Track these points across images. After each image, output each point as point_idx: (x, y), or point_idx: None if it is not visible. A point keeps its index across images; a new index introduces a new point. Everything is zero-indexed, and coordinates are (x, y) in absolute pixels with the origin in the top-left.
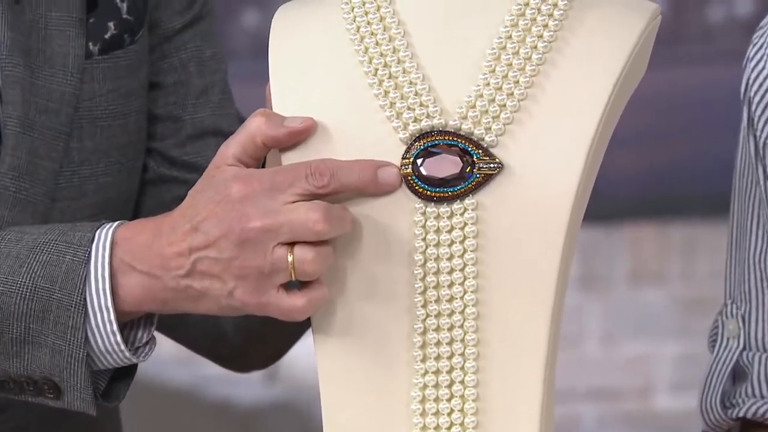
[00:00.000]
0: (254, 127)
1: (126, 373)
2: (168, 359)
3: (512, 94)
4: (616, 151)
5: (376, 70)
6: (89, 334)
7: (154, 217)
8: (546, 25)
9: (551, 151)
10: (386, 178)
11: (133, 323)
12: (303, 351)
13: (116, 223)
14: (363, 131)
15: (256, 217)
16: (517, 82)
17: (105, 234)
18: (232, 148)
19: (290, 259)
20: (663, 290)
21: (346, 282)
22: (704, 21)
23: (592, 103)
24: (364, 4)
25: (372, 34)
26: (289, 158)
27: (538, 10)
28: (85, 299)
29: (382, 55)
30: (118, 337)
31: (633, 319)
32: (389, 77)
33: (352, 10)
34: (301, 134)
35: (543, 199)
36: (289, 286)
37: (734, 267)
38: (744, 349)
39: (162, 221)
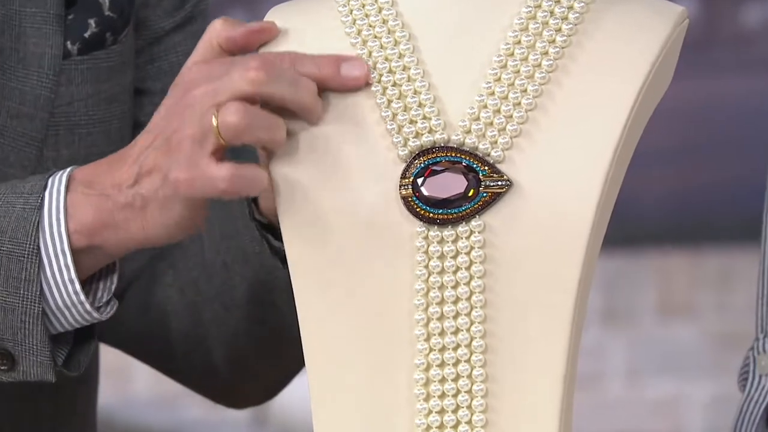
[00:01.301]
0: (210, 29)
1: (86, 338)
2: (146, 402)
3: (519, 103)
4: (641, 169)
5: (380, 76)
6: (44, 286)
7: None
8: (559, 29)
9: (566, 167)
10: (350, 72)
11: (92, 279)
12: (295, 392)
13: (72, 167)
14: (359, 146)
15: (202, 84)
16: (525, 90)
17: (59, 178)
18: (192, 56)
19: (215, 120)
20: (694, 325)
21: (342, 314)
22: (739, 25)
23: (612, 115)
24: (363, 6)
25: (375, 37)
26: (277, 165)
27: (551, 12)
28: (38, 247)
29: (387, 59)
30: (77, 286)
31: (661, 357)
32: (393, 85)
33: (351, 13)
34: (259, 34)
35: (557, 219)
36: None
37: (767, 298)
38: None
39: (124, 148)
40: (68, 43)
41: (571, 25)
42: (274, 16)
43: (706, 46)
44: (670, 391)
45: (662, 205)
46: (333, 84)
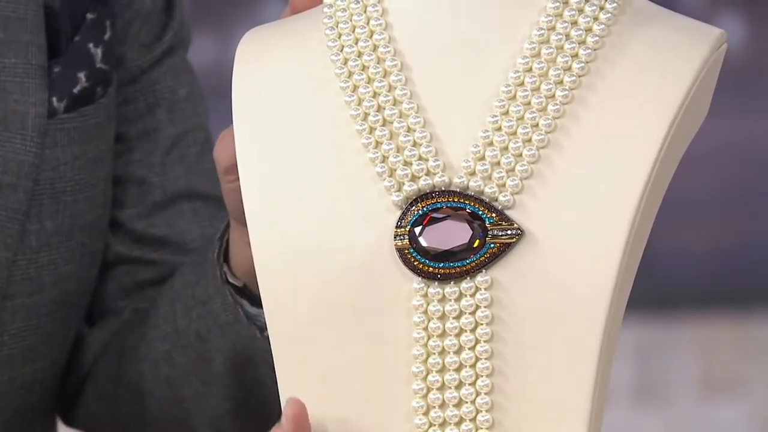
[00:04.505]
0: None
1: None
2: None
3: (530, 140)
4: (678, 221)
5: (366, 114)
6: None
7: None
8: (576, 55)
9: (584, 214)
10: None
11: None
12: None
13: None
14: (347, 193)
15: None
16: (537, 125)
17: None
18: None
19: None
20: (743, 403)
21: (333, 385)
22: None
23: (638, 154)
24: (353, 30)
25: (363, 68)
26: (257, 227)
27: (567, 35)
28: None
29: (374, 95)
30: None
31: None
32: (383, 124)
33: (339, 38)
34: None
35: (575, 274)
36: None
37: None
38: None
39: None
40: (54, 99)
41: (589, 51)
42: (252, 39)
43: (753, 76)
44: None
45: (703, 263)
46: None
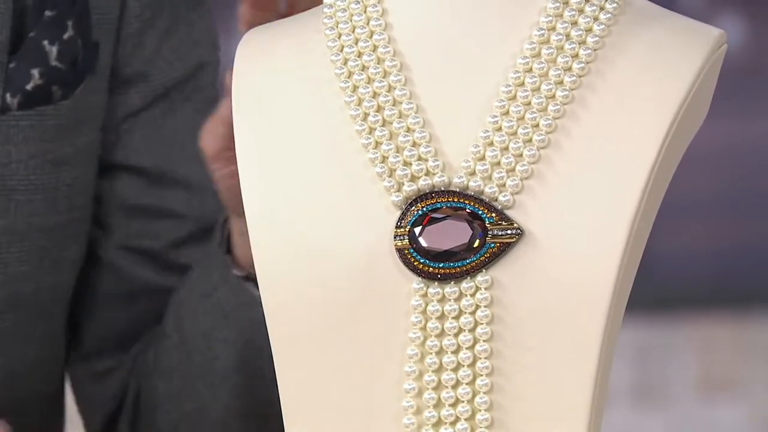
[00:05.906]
0: None
1: None
2: None
3: (530, 140)
4: (678, 222)
5: (366, 114)
6: None
7: None
8: (576, 55)
9: (584, 214)
10: None
11: None
12: None
13: None
14: (346, 193)
15: None
16: (537, 125)
17: None
18: None
19: None
20: (742, 404)
21: (332, 385)
22: None
23: (638, 155)
24: (353, 30)
25: (363, 68)
26: (258, 227)
27: (567, 36)
28: None
29: (374, 95)
30: None
31: None
32: (382, 124)
33: (339, 38)
34: None
35: (575, 275)
36: None
37: None
38: None
39: None
40: (8, 95)
41: (589, 51)
42: (251, 40)
43: (753, 77)
44: None
45: (703, 263)
46: None
